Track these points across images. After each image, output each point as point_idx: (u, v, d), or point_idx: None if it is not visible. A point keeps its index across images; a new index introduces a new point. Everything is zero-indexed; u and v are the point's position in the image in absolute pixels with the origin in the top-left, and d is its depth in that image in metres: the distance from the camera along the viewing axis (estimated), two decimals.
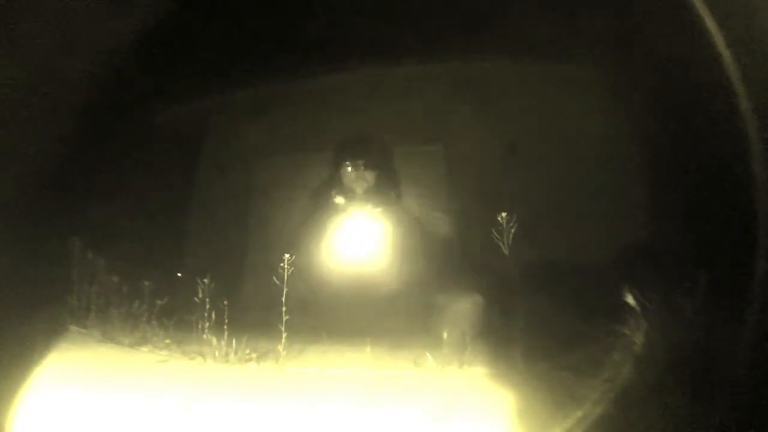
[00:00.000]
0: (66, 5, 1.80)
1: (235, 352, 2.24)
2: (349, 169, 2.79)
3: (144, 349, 2.37)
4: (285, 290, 2.21)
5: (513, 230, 2.20)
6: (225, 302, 2.29)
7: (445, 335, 2.21)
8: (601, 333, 1.90)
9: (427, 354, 2.16)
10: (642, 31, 1.92)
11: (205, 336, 2.28)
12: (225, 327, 2.26)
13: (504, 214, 2.22)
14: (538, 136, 2.69)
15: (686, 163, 1.97)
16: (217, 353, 2.25)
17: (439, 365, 2.15)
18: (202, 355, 2.26)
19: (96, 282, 2.55)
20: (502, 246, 2.20)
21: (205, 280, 2.32)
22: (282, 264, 2.21)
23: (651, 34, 1.87)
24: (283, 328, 2.19)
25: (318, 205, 2.85)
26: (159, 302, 2.46)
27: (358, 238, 2.74)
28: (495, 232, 2.21)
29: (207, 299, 2.31)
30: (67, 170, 2.43)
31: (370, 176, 2.79)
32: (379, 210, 2.78)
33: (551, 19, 2.22)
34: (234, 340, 2.24)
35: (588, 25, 2.11)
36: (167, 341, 2.37)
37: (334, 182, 2.83)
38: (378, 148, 2.85)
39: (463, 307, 2.32)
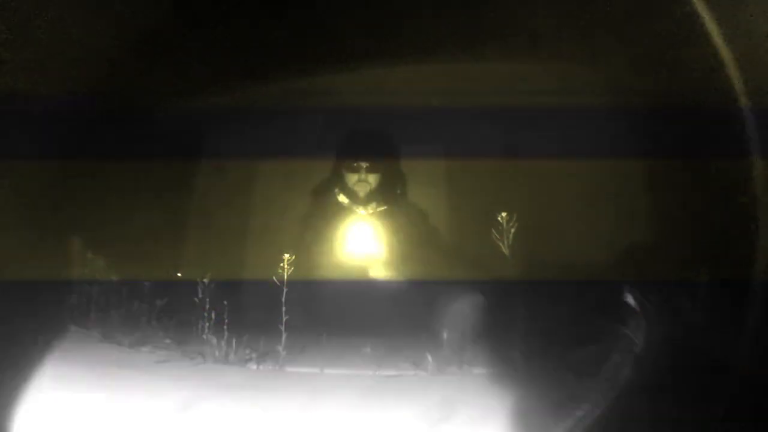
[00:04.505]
0: (66, 7, 1.80)
1: (235, 352, 2.24)
2: (352, 172, 2.78)
3: (144, 349, 2.37)
4: (285, 290, 2.21)
5: (513, 230, 2.20)
6: (225, 302, 2.29)
7: (445, 335, 2.21)
8: (601, 333, 1.90)
9: (427, 354, 2.16)
10: (642, 31, 1.92)
11: (205, 336, 2.28)
12: (225, 327, 2.26)
13: (504, 214, 2.22)
14: (538, 136, 2.69)
15: (686, 163, 1.97)
16: (217, 353, 2.25)
17: (439, 365, 2.15)
18: (202, 355, 2.26)
19: (96, 282, 2.54)
20: (502, 246, 2.20)
21: (205, 280, 2.32)
22: (282, 264, 2.21)
23: (651, 34, 1.87)
24: (283, 328, 2.19)
25: (320, 203, 2.85)
26: (159, 302, 2.46)
27: (360, 237, 2.74)
28: (495, 232, 2.21)
29: (207, 299, 2.31)
30: (67, 170, 2.43)
31: (373, 179, 2.78)
32: (381, 209, 2.78)
33: (551, 19, 2.22)
34: (234, 340, 2.24)
35: (588, 26, 2.11)
36: (167, 341, 2.37)
37: (336, 181, 2.83)
38: (382, 150, 2.85)
39: (463, 307, 2.32)
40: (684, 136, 1.92)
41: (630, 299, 1.88)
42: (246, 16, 2.40)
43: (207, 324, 2.28)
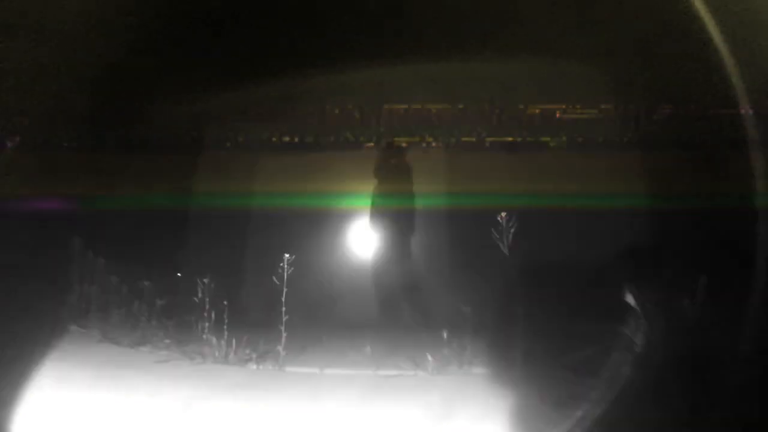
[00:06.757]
0: (70, 11, 1.80)
1: (235, 352, 2.24)
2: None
3: (144, 349, 2.37)
4: (285, 290, 2.21)
5: (513, 230, 2.20)
6: (225, 302, 2.29)
7: (445, 335, 2.21)
8: (601, 333, 1.90)
9: (427, 354, 2.16)
10: (643, 30, 1.92)
11: (205, 336, 2.28)
12: (225, 327, 2.26)
13: (504, 214, 2.22)
14: (539, 136, 2.69)
15: (686, 163, 1.97)
16: (217, 353, 2.25)
17: (439, 365, 2.15)
18: (202, 355, 2.27)
19: (96, 282, 2.55)
20: (502, 246, 2.20)
21: (205, 280, 2.32)
22: (282, 264, 2.21)
23: (651, 34, 1.87)
24: (283, 328, 2.19)
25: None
26: (159, 302, 2.47)
27: (360, 237, 2.74)
28: (495, 232, 2.21)
29: (207, 299, 2.31)
30: (67, 170, 2.43)
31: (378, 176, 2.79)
32: (382, 209, 2.78)
33: (552, 20, 2.22)
34: (234, 340, 2.24)
35: (590, 26, 2.11)
36: (167, 341, 2.37)
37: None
38: (386, 148, 2.86)
39: (463, 307, 2.32)
40: (684, 134, 1.92)
41: (630, 299, 1.88)
42: (246, 18, 2.40)
43: (207, 324, 2.29)
